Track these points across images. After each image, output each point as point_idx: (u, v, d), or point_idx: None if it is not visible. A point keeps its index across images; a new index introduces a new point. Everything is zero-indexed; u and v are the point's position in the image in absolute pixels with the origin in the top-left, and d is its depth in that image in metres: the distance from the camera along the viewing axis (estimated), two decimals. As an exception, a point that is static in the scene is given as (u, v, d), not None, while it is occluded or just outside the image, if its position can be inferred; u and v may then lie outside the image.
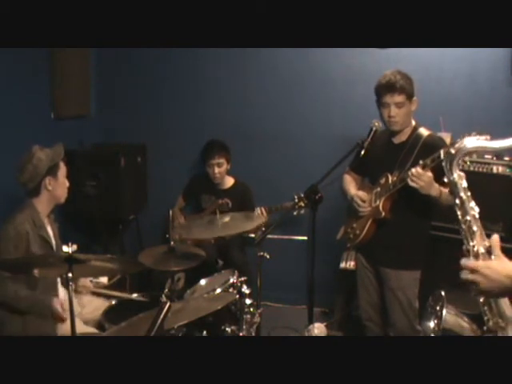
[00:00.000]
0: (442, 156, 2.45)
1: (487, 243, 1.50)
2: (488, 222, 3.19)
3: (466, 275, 1.45)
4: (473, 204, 1.56)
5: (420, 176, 2.51)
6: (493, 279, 1.42)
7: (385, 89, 2.71)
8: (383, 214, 2.77)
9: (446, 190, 2.58)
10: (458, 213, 1.56)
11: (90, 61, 4.42)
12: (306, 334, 2.54)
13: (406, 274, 2.86)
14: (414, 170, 2.54)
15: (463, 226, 1.55)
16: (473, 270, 1.44)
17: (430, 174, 2.52)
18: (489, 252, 1.49)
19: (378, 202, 2.80)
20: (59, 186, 2.73)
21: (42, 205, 2.69)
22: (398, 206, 2.78)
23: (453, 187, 1.57)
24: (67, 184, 2.78)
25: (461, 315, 1.89)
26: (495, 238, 1.50)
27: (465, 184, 1.57)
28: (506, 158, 3.17)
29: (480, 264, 1.46)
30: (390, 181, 2.75)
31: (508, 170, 3.14)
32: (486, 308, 1.50)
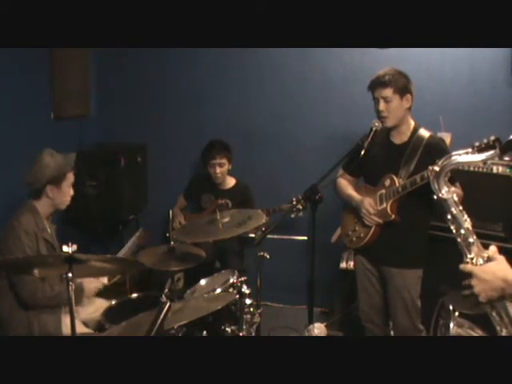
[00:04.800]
0: None
1: (486, 254, 1.51)
2: (488, 222, 3.19)
3: (463, 280, 1.47)
4: (466, 217, 1.57)
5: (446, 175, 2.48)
6: (487, 281, 1.43)
7: (374, 84, 2.75)
8: (393, 216, 2.76)
9: (452, 188, 2.57)
10: (452, 227, 1.57)
11: (89, 61, 4.42)
12: (306, 334, 2.54)
13: (409, 272, 2.86)
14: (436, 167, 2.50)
15: (459, 240, 1.55)
16: (469, 274, 1.46)
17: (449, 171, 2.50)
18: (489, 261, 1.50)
19: (384, 205, 2.78)
20: (61, 195, 2.70)
21: (42, 208, 2.69)
22: (400, 204, 2.77)
23: (443, 203, 1.58)
24: (71, 193, 2.76)
25: (471, 328, 1.89)
26: (492, 248, 1.52)
27: (455, 198, 1.58)
28: (506, 158, 3.15)
29: (475, 268, 1.48)
30: (397, 183, 2.74)
31: (508, 170, 3.13)
32: (498, 318, 1.50)
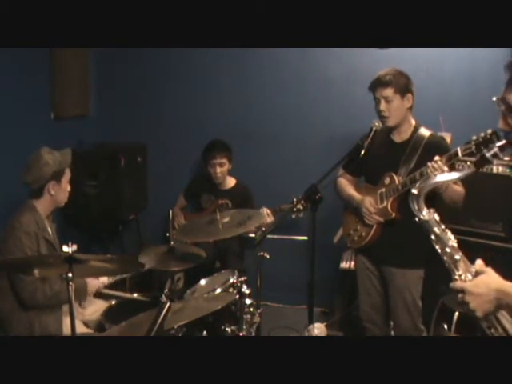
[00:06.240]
0: (459, 154, 2.45)
1: (473, 269, 1.52)
2: (488, 222, 3.19)
3: (457, 298, 1.47)
4: (449, 234, 1.58)
5: (442, 169, 2.47)
6: (481, 294, 1.43)
7: (374, 84, 2.76)
8: (393, 214, 2.76)
9: (451, 185, 2.58)
10: (437, 247, 1.58)
11: (89, 61, 4.42)
12: (306, 334, 2.54)
13: (410, 272, 2.86)
14: (434, 164, 2.47)
15: (445, 258, 1.56)
16: (461, 291, 1.46)
17: (447, 168, 2.51)
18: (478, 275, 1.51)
19: (385, 203, 2.78)
20: (62, 192, 2.73)
21: (43, 207, 2.69)
22: (401, 204, 2.77)
23: (425, 225, 1.60)
24: (69, 189, 2.78)
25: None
26: (479, 261, 1.53)
27: (437, 218, 1.60)
28: (506, 158, 3.15)
29: (466, 284, 1.48)
30: (396, 181, 2.74)
31: (508, 170, 3.13)
32: (492, 331, 1.50)
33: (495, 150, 1.52)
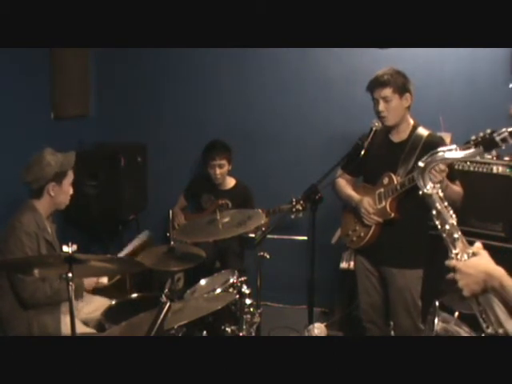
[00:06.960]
0: None
1: (470, 250, 1.53)
2: (488, 222, 3.19)
3: (448, 275, 1.50)
4: (451, 212, 1.59)
5: (443, 171, 2.49)
6: (470, 275, 1.46)
7: (372, 84, 2.76)
8: (392, 214, 2.76)
9: (450, 185, 2.59)
10: (437, 222, 1.60)
11: (89, 61, 4.42)
12: (306, 334, 2.54)
13: (410, 272, 2.86)
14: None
15: (444, 235, 1.58)
16: (453, 269, 1.49)
17: (446, 168, 2.52)
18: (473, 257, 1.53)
19: (384, 203, 2.79)
20: (62, 194, 2.72)
21: (43, 207, 2.69)
22: (400, 204, 2.78)
23: (428, 199, 1.61)
24: (71, 191, 2.78)
25: (458, 325, 1.90)
26: (477, 244, 1.55)
27: (440, 194, 1.61)
28: (506, 158, 3.17)
29: (459, 263, 1.51)
30: (395, 181, 2.74)
31: (508, 170, 3.14)
32: (484, 316, 1.52)
33: (505, 134, 1.52)
